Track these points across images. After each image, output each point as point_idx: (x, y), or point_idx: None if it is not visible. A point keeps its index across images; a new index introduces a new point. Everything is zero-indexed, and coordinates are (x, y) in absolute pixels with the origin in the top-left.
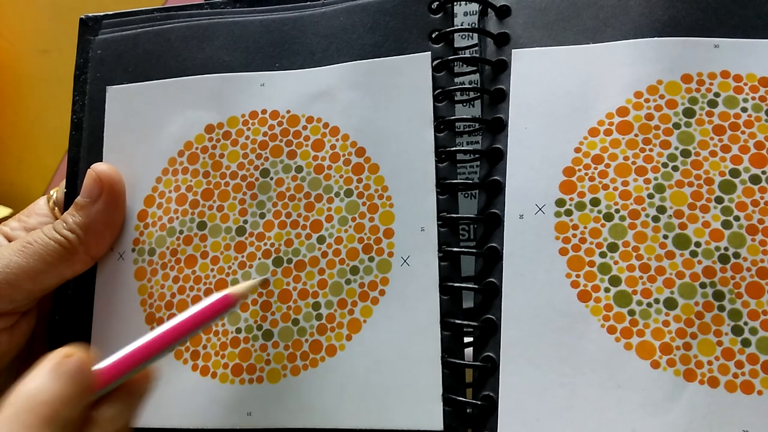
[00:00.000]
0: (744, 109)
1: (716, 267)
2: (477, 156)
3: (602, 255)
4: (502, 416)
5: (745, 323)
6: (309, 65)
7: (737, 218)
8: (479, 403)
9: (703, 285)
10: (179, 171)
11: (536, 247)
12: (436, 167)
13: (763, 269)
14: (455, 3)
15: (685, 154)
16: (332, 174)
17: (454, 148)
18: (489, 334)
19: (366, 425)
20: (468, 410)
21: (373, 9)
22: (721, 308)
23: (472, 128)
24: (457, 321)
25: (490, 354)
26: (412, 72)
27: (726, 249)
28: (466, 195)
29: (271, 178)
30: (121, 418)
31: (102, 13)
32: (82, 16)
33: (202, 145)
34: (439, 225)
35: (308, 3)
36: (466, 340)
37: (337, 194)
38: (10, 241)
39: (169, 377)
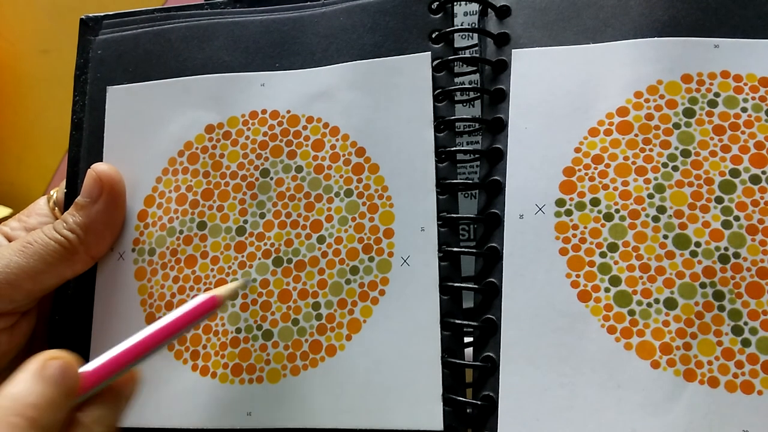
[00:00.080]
0: (744, 109)
1: (716, 267)
2: (477, 156)
3: (602, 255)
4: (502, 416)
5: (745, 323)
6: (309, 65)
7: (737, 218)
8: (479, 403)
9: (703, 285)
10: (179, 171)
11: (536, 247)
12: (436, 167)
13: (763, 269)
14: (455, 3)
15: (685, 154)
16: (332, 174)
17: (454, 148)
18: (489, 334)
19: (366, 425)
20: (468, 410)
21: (373, 9)
22: (721, 308)
23: (472, 128)
24: (457, 321)
25: (490, 354)
26: (412, 72)
27: (726, 249)
28: (466, 195)
29: (271, 178)
30: (106, 421)
31: (102, 14)
32: (83, 17)
33: (202, 145)
34: (439, 225)
35: (308, 3)
36: (466, 340)
37: (337, 194)
38: (10, 241)
39: (169, 377)
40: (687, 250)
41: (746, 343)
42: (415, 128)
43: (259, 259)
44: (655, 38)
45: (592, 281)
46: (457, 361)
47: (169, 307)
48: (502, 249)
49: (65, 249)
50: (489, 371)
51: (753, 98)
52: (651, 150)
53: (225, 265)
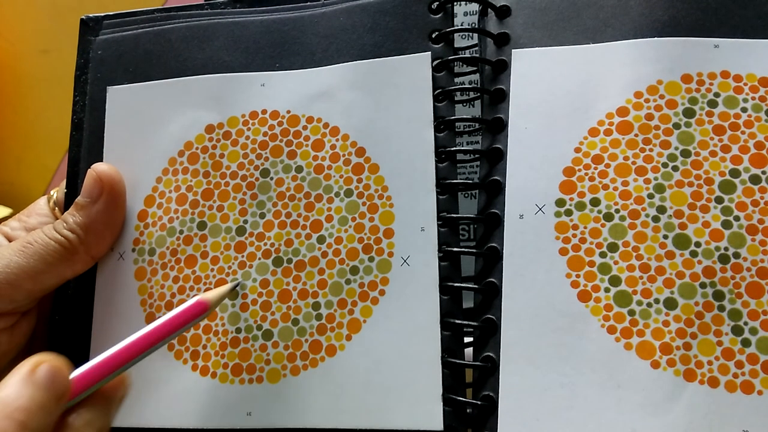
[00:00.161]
0: (744, 109)
1: (716, 267)
2: (477, 156)
3: (602, 255)
4: (502, 416)
5: (745, 323)
6: (309, 65)
7: (737, 218)
8: (479, 403)
9: (703, 285)
10: (179, 171)
11: (536, 247)
12: (436, 167)
13: (763, 269)
14: (455, 3)
15: (685, 154)
16: (332, 174)
17: (454, 148)
18: (489, 334)
19: (366, 425)
20: (468, 410)
21: (373, 9)
22: (721, 308)
23: (472, 128)
24: (457, 321)
25: (490, 354)
26: (412, 72)
27: (726, 249)
28: (466, 195)
29: (271, 178)
30: (97, 424)
31: (102, 14)
32: (83, 17)
33: (203, 145)
34: (439, 225)
35: (308, 3)
36: (466, 340)
37: (337, 194)
38: (10, 241)
39: (168, 377)
40: (687, 250)
41: (746, 343)
42: (415, 128)
43: (259, 259)
44: (655, 38)
45: (592, 281)
46: (457, 361)
47: (169, 307)
48: (502, 249)
49: (65, 249)
50: (489, 371)
51: (753, 98)
52: (651, 150)
53: (225, 265)
